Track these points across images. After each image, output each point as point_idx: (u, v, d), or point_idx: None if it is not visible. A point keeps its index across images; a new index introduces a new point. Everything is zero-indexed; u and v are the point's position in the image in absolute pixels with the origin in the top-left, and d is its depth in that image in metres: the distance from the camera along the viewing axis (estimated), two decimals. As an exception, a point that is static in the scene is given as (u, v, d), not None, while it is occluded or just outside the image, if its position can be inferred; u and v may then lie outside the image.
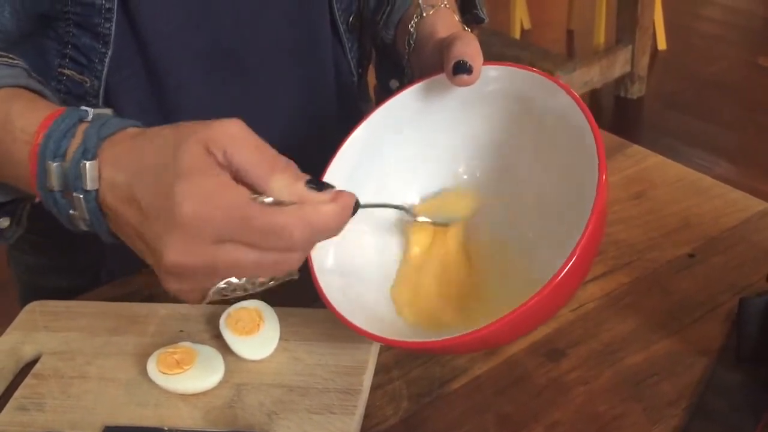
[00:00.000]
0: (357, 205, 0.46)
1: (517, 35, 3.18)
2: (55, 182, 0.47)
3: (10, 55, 0.55)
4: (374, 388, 0.58)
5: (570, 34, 3.32)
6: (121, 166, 0.45)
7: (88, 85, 0.65)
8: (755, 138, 2.51)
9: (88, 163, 0.46)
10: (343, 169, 0.61)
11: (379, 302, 0.60)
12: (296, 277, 0.46)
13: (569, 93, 0.55)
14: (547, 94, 0.57)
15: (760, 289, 0.63)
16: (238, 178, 0.43)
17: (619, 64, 2.65)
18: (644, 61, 2.72)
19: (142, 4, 0.63)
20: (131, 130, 0.48)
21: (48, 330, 0.64)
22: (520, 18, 3.21)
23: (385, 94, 0.80)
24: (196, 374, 0.57)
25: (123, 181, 0.45)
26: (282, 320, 0.61)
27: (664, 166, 0.81)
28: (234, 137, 0.43)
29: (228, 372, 0.58)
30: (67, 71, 0.64)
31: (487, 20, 0.77)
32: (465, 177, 0.65)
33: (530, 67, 0.58)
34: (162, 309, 0.65)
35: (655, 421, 0.54)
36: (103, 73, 0.64)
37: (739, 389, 0.55)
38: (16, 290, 0.85)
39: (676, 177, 0.79)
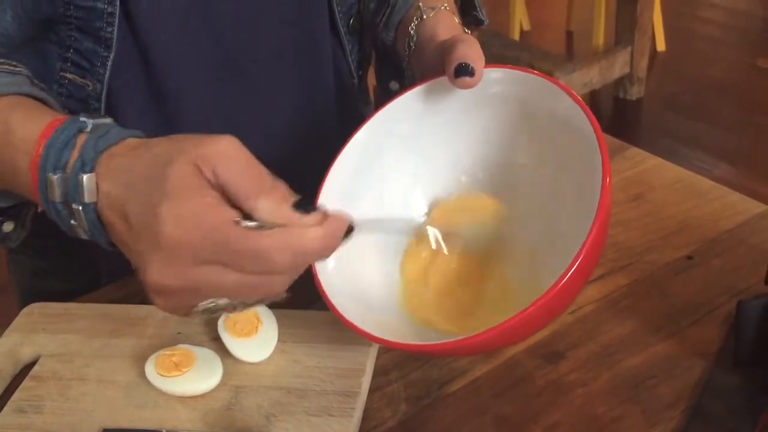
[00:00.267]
0: (352, 228, 0.45)
1: (517, 36, 3.18)
2: (56, 194, 0.47)
3: (12, 63, 0.55)
4: (372, 390, 0.58)
5: (569, 35, 3.33)
6: (117, 180, 0.45)
7: (90, 88, 0.65)
8: (754, 140, 2.51)
9: (85, 177, 0.46)
10: (343, 173, 0.61)
11: (381, 304, 0.60)
12: (284, 297, 0.46)
13: (572, 96, 0.55)
14: (550, 97, 0.56)
15: (758, 291, 0.63)
16: (227, 196, 0.43)
17: (618, 66, 2.66)
18: (643, 62, 2.72)
19: (143, 8, 0.63)
20: (131, 141, 0.48)
21: (46, 332, 0.64)
22: (520, 19, 3.21)
23: (384, 95, 0.80)
24: (194, 376, 0.57)
25: (117, 195, 0.45)
26: (280, 322, 0.61)
27: (662, 168, 0.81)
28: (224, 155, 0.43)
29: (226, 374, 0.58)
30: (69, 75, 0.64)
31: (487, 22, 0.77)
32: (466, 180, 0.65)
33: (532, 70, 0.58)
34: (160, 311, 0.64)
35: (653, 424, 0.54)
36: (105, 77, 0.64)
37: (737, 392, 0.55)
38: (15, 293, 0.85)
39: (674, 179, 0.79)
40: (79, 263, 0.78)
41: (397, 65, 0.75)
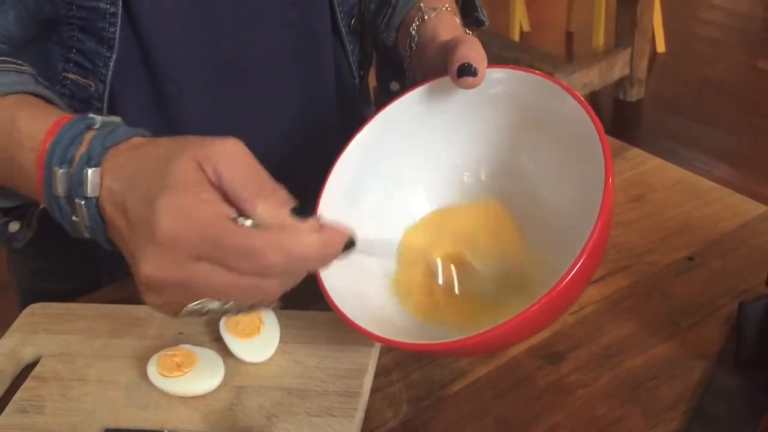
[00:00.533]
0: (352, 243, 0.45)
1: (517, 37, 3.18)
2: (60, 188, 0.47)
3: (18, 62, 0.56)
4: (374, 391, 0.58)
5: (569, 36, 3.33)
6: (119, 175, 0.45)
7: (93, 89, 0.65)
8: (754, 141, 2.51)
9: (90, 170, 0.46)
10: (345, 174, 0.61)
11: (383, 304, 0.59)
12: (276, 306, 0.45)
13: (574, 96, 0.55)
14: (552, 97, 0.56)
15: (760, 292, 0.63)
16: (227, 197, 0.43)
17: (618, 67, 2.66)
18: (643, 63, 2.72)
19: (145, 8, 0.63)
20: (136, 140, 0.48)
21: (48, 332, 0.64)
22: (520, 20, 3.21)
23: (385, 96, 0.80)
24: (195, 377, 0.57)
25: (118, 189, 0.45)
26: (282, 323, 0.61)
27: (663, 169, 0.81)
28: (227, 155, 0.43)
29: (228, 375, 0.58)
30: (71, 75, 0.65)
31: (487, 23, 0.77)
32: (469, 180, 0.65)
33: (535, 70, 0.58)
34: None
35: (654, 425, 0.54)
36: (107, 77, 0.64)
37: (738, 393, 0.55)
38: (16, 293, 0.85)
39: (675, 180, 0.79)
40: (80, 264, 0.78)
41: (398, 66, 0.75)
